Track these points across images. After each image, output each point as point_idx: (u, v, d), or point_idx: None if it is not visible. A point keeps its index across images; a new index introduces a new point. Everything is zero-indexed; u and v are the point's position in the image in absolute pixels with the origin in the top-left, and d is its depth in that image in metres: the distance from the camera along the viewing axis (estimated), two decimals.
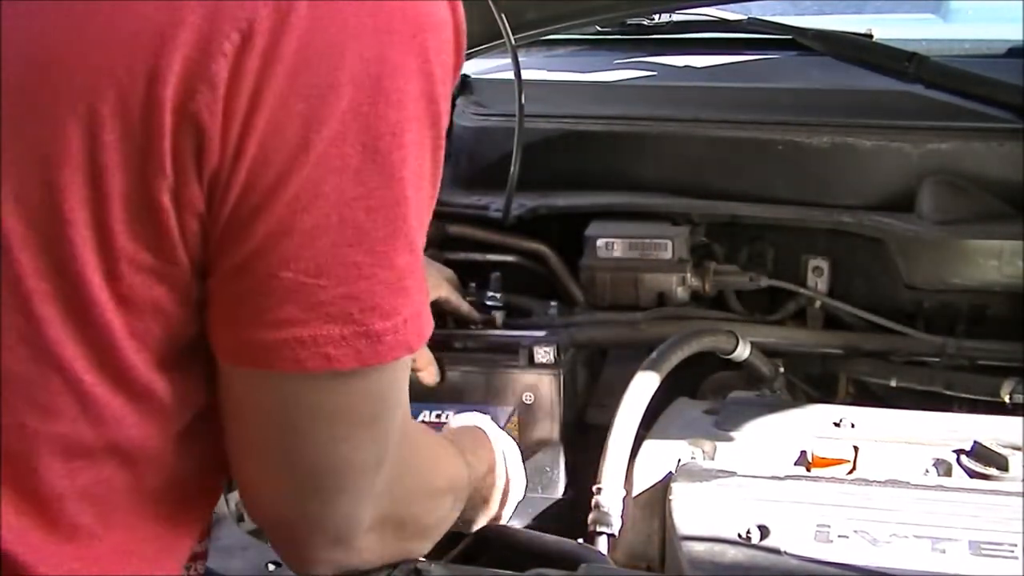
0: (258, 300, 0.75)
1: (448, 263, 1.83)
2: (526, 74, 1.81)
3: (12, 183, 0.71)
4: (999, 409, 1.57)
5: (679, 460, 1.35)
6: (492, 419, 1.35)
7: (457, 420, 1.33)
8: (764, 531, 1.17)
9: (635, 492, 1.36)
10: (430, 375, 1.59)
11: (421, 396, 1.52)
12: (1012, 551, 1.12)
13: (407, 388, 0.87)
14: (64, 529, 0.77)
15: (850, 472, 1.33)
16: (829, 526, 1.17)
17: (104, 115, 0.70)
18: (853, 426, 1.42)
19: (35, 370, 0.74)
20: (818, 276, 1.77)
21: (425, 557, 1.03)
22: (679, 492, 1.26)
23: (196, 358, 0.80)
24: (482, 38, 1.95)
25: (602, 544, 1.33)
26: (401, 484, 0.91)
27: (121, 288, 0.74)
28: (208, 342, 0.79)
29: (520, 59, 1.78)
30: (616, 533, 1.34)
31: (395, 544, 0.95)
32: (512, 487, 1.24)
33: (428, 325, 0.82)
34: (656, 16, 2.12)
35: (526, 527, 1.44)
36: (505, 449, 1.24)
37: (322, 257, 0.74)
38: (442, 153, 0.80)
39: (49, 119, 0.70)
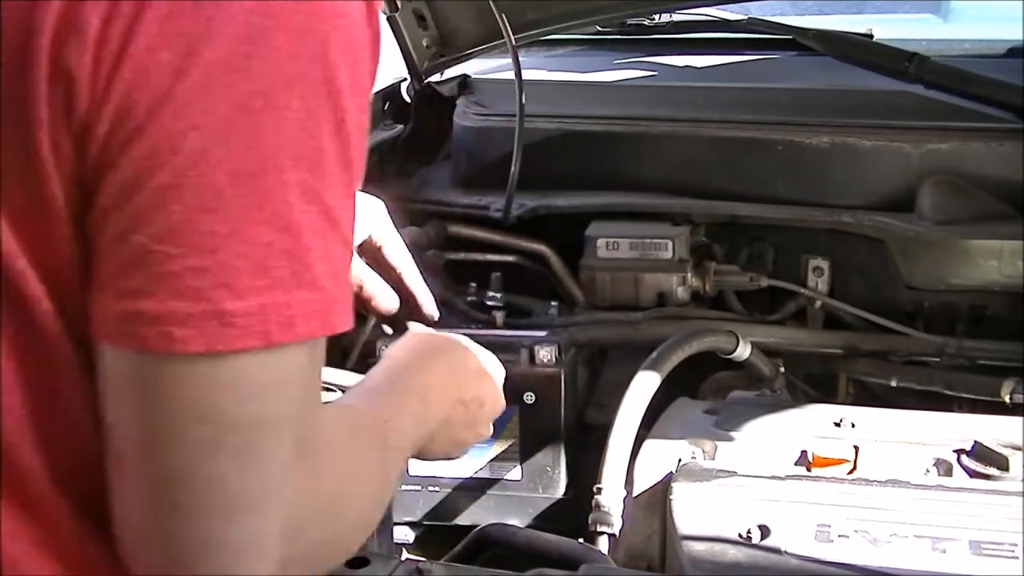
0: (109, 265, 0.69)
1: (448, 263, 1.83)
2: (526, 74, 1.81)
3: None
4: (999, 409, 1.57)
5: (679, 460, 1.35)
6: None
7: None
8: (764, 531, 1.17)
9: (635, 492, 1.36)
10: (384, 301, 1.21)
11: None
12: (1012, 551, 1.12)
13: (313, 399, 0.75)
14: (59, 532, 0.74)
15: (850, 472, 1.33)
16: (829, 526, 1.17)
17: None
18: (853, 426, 1.42)
19: None
20: (818, 276, 1.77)
21: (425, 556, 1.02)
22: (679, 492, 1.26)
23: None
24: (482, 38, 1.95)
25: (602, 544, 1.33)
26: (306, 523, 0.76)
27: (25, 247, 0.70)
28: None
29: (520, 59, 1.78)
30: (616, 533, 1.34)
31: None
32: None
33: (304, 321, 0.70)
34: (656, 16, 2.12)
35: (526, 527, 1.44)
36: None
37: (174, 221, 0.67)
38: (354, 141, 0.73)
39: None
